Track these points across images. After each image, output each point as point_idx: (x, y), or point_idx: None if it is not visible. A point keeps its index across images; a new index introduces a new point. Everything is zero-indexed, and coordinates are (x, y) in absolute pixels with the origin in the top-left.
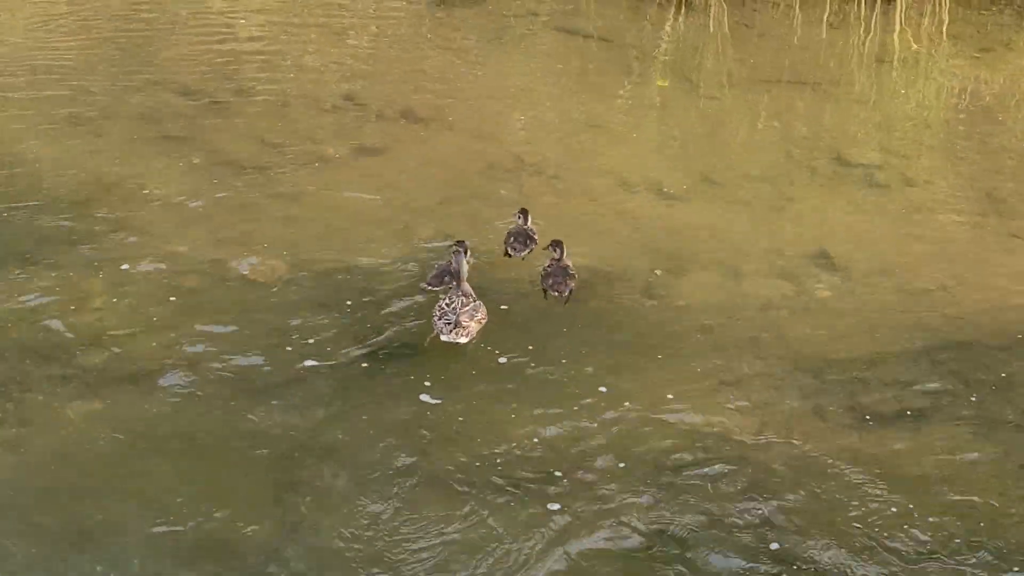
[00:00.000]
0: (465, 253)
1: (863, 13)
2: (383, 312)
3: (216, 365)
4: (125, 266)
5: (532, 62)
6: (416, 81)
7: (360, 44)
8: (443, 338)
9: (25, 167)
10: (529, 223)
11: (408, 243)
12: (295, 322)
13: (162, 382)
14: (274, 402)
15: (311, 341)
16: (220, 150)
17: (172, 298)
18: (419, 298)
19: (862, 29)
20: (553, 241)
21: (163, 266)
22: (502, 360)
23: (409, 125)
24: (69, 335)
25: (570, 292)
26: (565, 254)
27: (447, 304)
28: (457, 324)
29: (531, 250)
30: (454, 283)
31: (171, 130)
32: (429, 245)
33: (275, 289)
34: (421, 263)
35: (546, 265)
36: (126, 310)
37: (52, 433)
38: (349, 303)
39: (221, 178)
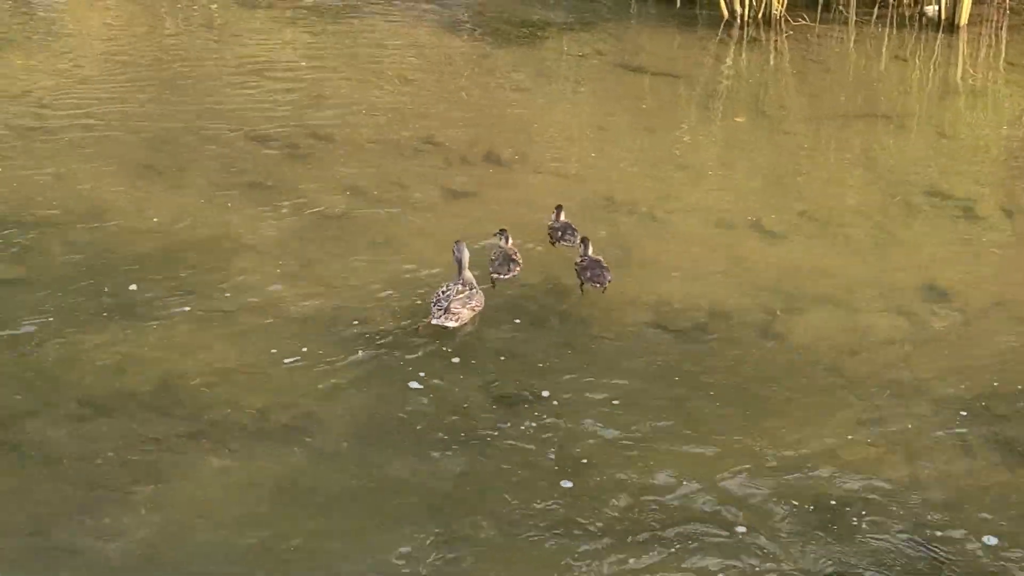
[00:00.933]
0: (506, 241)
1: (926, 44)
2: (502, 359)
3: (342, 414)
4: (233, 317)
5: (603, 101)
6: (490, 122)
7: (427, 86)
8: (433, 322)
9: (111, 219)
10: (509, 243)
11: (516, 287)
12: (411, 368)
13: (292, 434)
14: (410, 449)
15: (435, 383)
16: (307, 197)
17: (284, 347)
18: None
19: (929, 60)
20: (583, 238)
21: (270, 316)
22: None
23: (493, 167)
24: (191, 389)
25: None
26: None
27: (442, 292)
28: (447, 310)
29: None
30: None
31: (254, 178)
32: (537, 295)
33: (389, 339)
34: (525, 311)
35: (579, 260)
36: (239, 362)
37: (191, 490)
38: (467, 353)
39: (313, 225)
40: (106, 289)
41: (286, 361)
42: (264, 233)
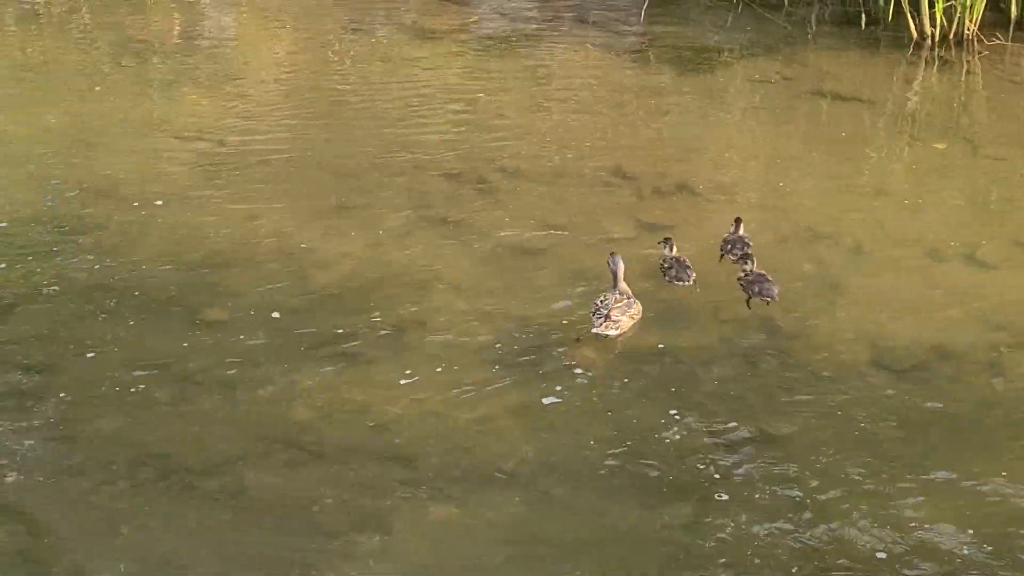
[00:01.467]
0: (671, 249)
1: None
2: (718, 398)
3: (556, 455)
4: (436, 356)
5: (792, 128)
6: (677, 152)
7: (607, 116)
8: (594, 331)
9: (306, 258)
10: (675, 250)
11: (725, 325)
12: (621, 407)
13: (509, 479)
14: (633, 494)
15: (648, 424)
16: (501, 231)
17: (488, 386)
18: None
19: None
20: (744, 254)
21: (473, 355)
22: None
23: (687, 198)
24: (402, 432)
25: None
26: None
27: (600, 301)
28: (608, 317)
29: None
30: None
31: (446, 214)
32: (748, 332)
33: (595, 376)
34: (739, 351)
35: (743, 275)
36: (446, 402)
37: (416, 541)
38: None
39: (509, 261)
40: (308, 329)
41: (492, 400)
42: (462, 268)
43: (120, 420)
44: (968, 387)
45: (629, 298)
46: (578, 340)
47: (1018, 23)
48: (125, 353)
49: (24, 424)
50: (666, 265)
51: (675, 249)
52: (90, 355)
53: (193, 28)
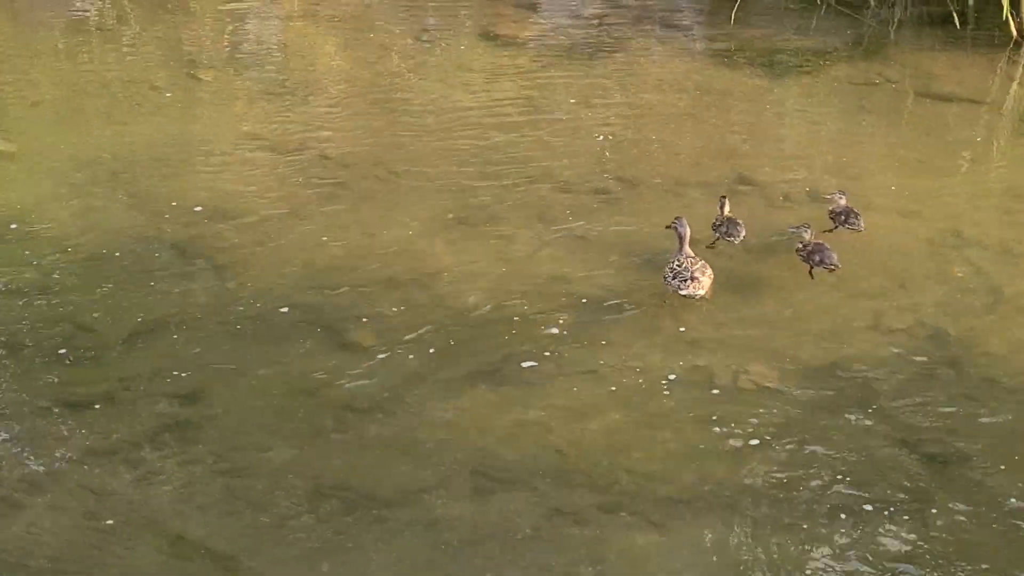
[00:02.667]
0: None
1: None
2: (907, 409)
3: (752, 479)
4: (608, 376)
5: (909, 131)
6: (796, 157)
7: (715, 122)
8: (682, 293)
9: (442, 277)
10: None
11: (892, 335)
12: (815, 426)
13: (705, 502)
14: (840, 516)
15: (841, 437)
16: (633, 244)
17: (676, 411)
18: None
19: None
20: (802, 225)
21: (643, 378)
22: None
23: (822, 206)
24: (585, 455)
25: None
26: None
27: (677, 265)
28: (692, 278)
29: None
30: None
31: (573, 228)
32: (906, 342)
33: (778, 405)
34: (913, 362)
35: (800, 247)
36: (628, 422)
37: (631, 572)
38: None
39: (648, 277)
40: (458, 350)
41: (671, 419)
42: (605, 282)
43: (289, 450)
44: None
45: (704, 262)
46: (664, 303)
47: None
48: (276, 378)
49: (190, 457)
50: (717, 223)
51: (811, 234)
52: (239, 380)
53: (247, 37)
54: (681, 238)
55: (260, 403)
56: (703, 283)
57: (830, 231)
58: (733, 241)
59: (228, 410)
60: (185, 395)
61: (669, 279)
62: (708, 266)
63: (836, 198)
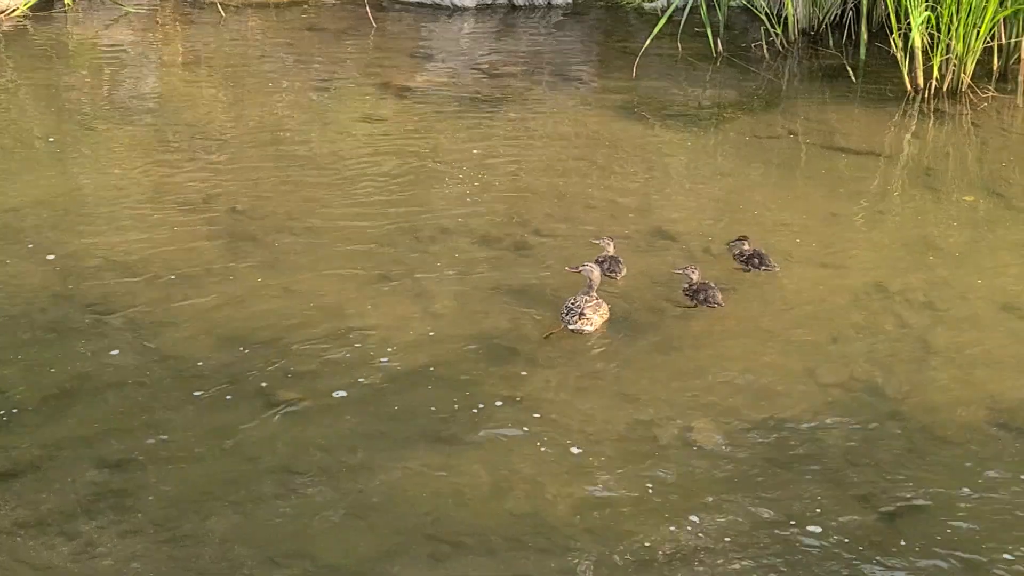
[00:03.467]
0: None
1: None
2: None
3: (726, 544)
4: (538, 435)
5: (818, 183)
6: (712, 211)
7: (625, 176)
8: (570, 328)
9: (371, 335)
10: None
11: (829, 389)
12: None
13: (675, 565)
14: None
15: (815, 505)
16: (559, 298)
17: (606, 459)
18: None
19: None
20: (685, 267)
21: (589, 432)
22: None
23: (739, 260)
24: (548, 520)
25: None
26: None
27: (572, 303)
28: (581, 314)
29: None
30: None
31: (496, 281)
32: (843, 396)
33: (725, 463)
34: (853, 417)
35: (688, 286)
36: (587, 485)
37: None
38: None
39: (596, 335)
40: (394, 409)
41: (625, 474)
42: (533, 337)
43: (232, 517)
44: None
45: (599, 300)
46: (547, 337)
47: (1001, 75)
48: (208, 442)
49: (129, 527)
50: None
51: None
52: (171, 444)
53: (133, 86)
54: (591, 282)
55: (195, 469)
56: (592, 320)
57: (746, 271)
58: (614, 278)
59: (163, 477)
60: (116, 462)
61: (563, 315)
62: (604, 306)
63: (740, 244)
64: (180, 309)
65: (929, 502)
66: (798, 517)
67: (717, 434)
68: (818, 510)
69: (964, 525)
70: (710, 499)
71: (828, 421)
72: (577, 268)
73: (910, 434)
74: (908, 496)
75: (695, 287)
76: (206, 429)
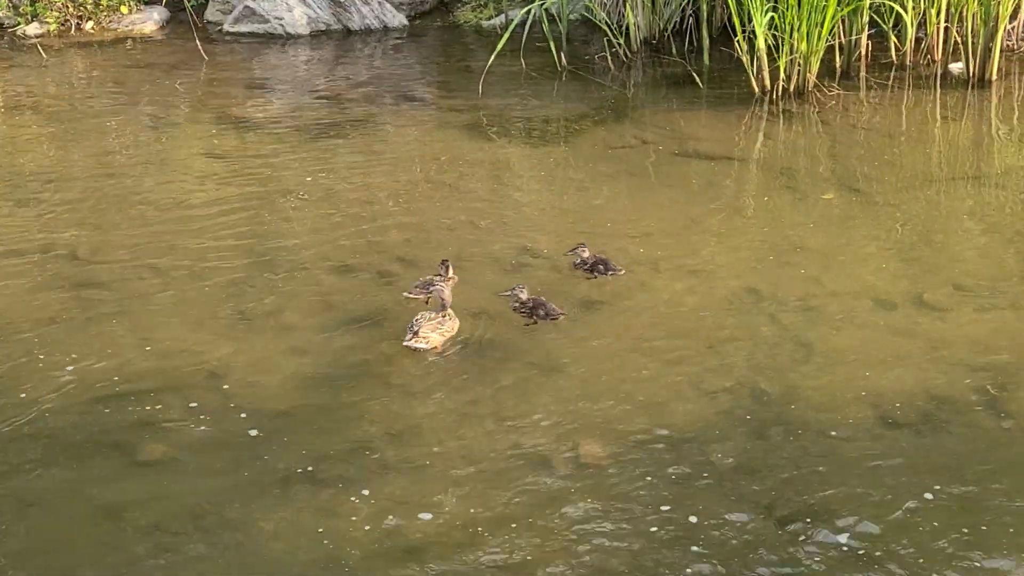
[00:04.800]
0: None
1: (965, 101)
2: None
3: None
4: (444, 467)
5: (675, 190)
6: (573, 225)
7: (483, 195)
8: (404, 344)
9: (229, 380)
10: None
11: (713, 398)
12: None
13: None
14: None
15: (693, 508)
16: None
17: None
18: None
19: (979, 116)
20: (514, 287)
21: (481, 460)
22: None
23: (609, 272)
24: (448, 557)
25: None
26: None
27: (416, 319)
28: (415, 332)
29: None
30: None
31: (362, 313)
32: (730, 403)
33: (620, 481)
34: (742, 423)
35: (520, 304)
36: (481, 518)
37: None
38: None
39: (467, 363)
40: (265, 459)
41: (522, 511)
42: (411, 372)
43: None
44: (990, 436)
45: (445, 316)
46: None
47: (844, 73)
48: (73, 505)
49: None
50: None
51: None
52: (34, 511)
53: None
54: (443, 302)
55: (60, 535)
56: (430, 339)
57: (588, 279)
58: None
59: (30, 544)
60: None
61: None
62: (448, 323)
63: (580, 252)
64: (29, 366)
65: (827, 504)
66: (700, 533)
67: (605, 452)
68: (718, 523)
69: (866, 526)
70: (607, 513)
71: (717, 431)
72: (414, 293)
73: (800, 436)
74: (804, 500)
75: (529, 304)
76: (68, 491)
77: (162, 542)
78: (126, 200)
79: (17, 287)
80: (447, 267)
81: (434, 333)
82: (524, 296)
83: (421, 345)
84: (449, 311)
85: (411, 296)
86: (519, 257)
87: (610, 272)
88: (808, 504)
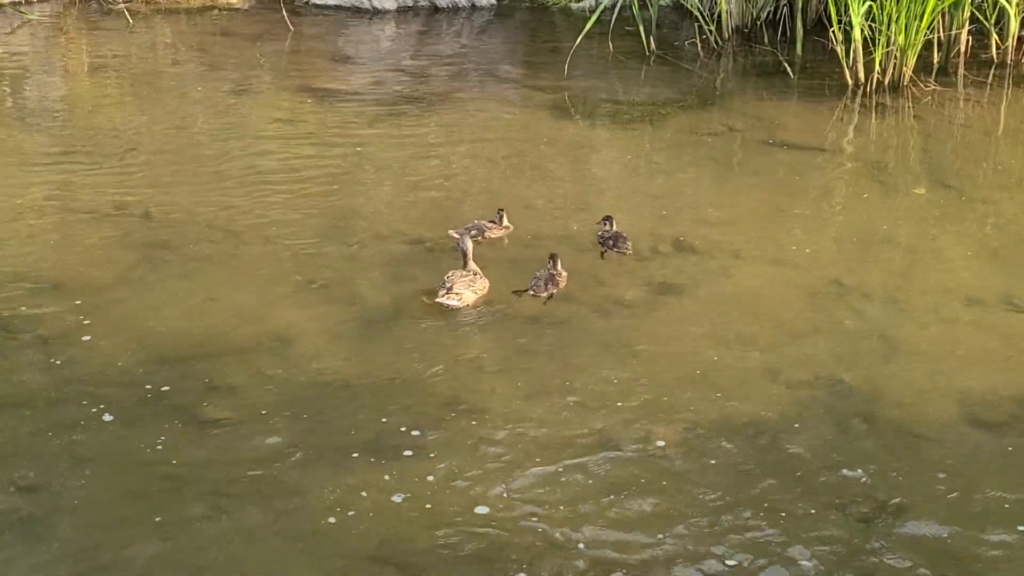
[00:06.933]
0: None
1: None
2: (840, 467)
3: None
4: (509, 446)
5: (762, 179)
6: (657, 209)
7: (570, 176)
8: (437, 300)
9: (293, 347)
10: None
11: (799, 387)
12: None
13: None
14: None
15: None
16: (499, 302)
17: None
18: None
19: None
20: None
21: (546, 442)
22: None
23: (691, 257)
24: (501, 537)
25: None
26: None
27: (447, 277)
28: (449, 289)
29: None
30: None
31: (432, 287)
32: (809, 395)
33: (694, 471)
34: (822, 416)
35: (601, 234)
36: (547, 500)
37: None
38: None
39: (532, 340)
40: (326, 425)
41: (590, 494)
42: (481, 346)
43: (156, 544)
44: None
45: (476, 274)
46: (425, 303)
47: (942, 68)
48: (129, 463)
49: (42, 558)
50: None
51: (614, 225)
52: (89, 468)
53: (34, 94)
54: (464, 254)
55: (114, 493)
56: (464, 296)
57: (601, 256)
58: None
59: (80, 502)
60: (27, 486)
61: (438, 286)
62: (482, 281)
63: (603, 224)
64: (92, 324)
65: (907, 502)
66: (776, 528)
67: (676, 438)
68: (793, 519)
69: (944, 527)
70: (680, 505)
71: (795, 423)
72: (459, 232)
73: (881, 432)
74: (883, 498)
75: (607, 235)
76: (125, 450)
77: (218, 505)
78: (202, 164)
79: (90, 245)
80: (501, 216)
81: (467, 290)
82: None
83: (454, 302)
84: (477, 269)
85: (455, 234)
86: (596, 238)
87: (616, 249)
88: (886, 502)
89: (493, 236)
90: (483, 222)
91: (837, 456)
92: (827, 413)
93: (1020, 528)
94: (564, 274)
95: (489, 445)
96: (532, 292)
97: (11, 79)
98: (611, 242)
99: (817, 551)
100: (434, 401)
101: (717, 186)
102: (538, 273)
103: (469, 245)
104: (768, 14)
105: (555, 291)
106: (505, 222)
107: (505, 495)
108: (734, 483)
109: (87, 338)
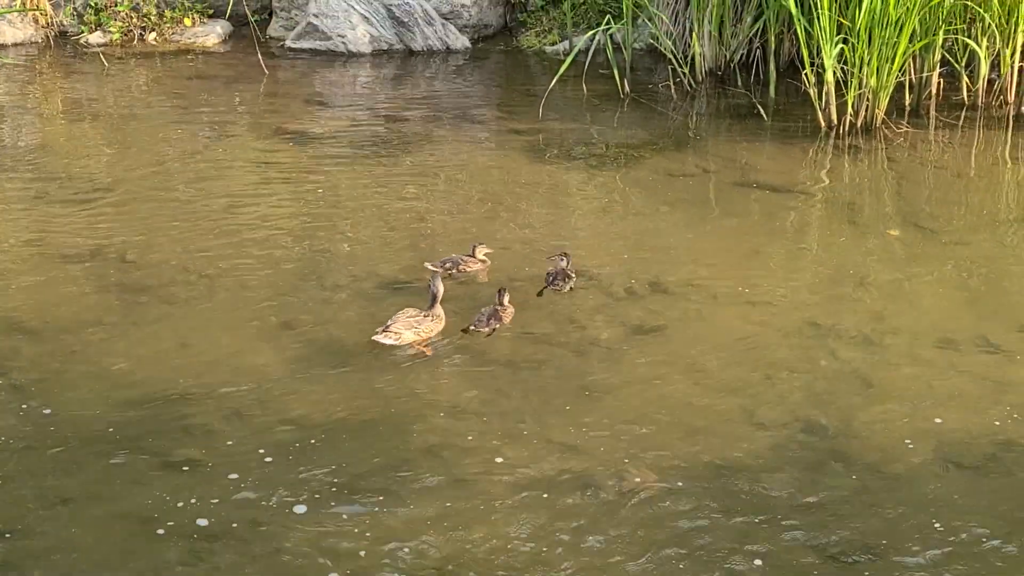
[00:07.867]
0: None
1: None
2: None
3: None
4: (489, 487)
5: (736, 220)
6: (631, 249)
7: (543, 217)
8: (373, 338)
9: (272, 391)
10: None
11: (775, 428)
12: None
13: None
14: None
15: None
16: (479, 346)
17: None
18: None
19: None
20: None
21: (527, 482)
22: None
23: (666, 298)
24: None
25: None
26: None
27: (397, 314)
28: (386, 328)
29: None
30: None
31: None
32: (785, 436)
33: (669, 513)
34: (796, 458)
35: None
36: (526, 539)
37: None
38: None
39: (510, 382)
40: (305, 469)
41: (567, 534)
42: (457, 390)
43: None
44: None
45: (427, 316)
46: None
47: (914, 110)
48: (104, 507)
49: None
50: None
51: (569, 263)
52: (64, 512)
53: (12, 137)
54: (434, 296)
55: (91, 537)
56: (402, 335)
57: (539, 294)
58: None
59: (55, 547)
60: (1, 532)
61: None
62: (426, 324)
63: (557, 260)
64: (68, 368)
65: (885, 544)
66: (742, 561)
67: (652, 479)
68: (773, 561)
69: (922, 568)
70: (652, 549)
71: (772, 464)
72: (434, 265)
73: (858, 473)
74: (857, 539)
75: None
76: (100, 494)
77: (195, 550)
78: (178, 208)
79: (65, 289)
80: (475, 250)
81: (408, 331)
82: (563, 265)
83: (389, 340)
84: (439, 312)
85: (432, 268)
86: (577, 279)
87: (552, 287)
88: (862, 543)
89: (468, 270)
90: (459, 256)
91: (813, 498)
92: (803, 454)
93: (999, 567)
94: (510, 309)
95: (465, 488)
96: (474, 327)
97: None
98: (550, 278)
99: None
100: (408, 444)
101: (692, 228)
102: (484, 309)
103: (440, 288)
104: (741, 57)
105: (498, 326)
106: (481, 255)
107: (479, 537)
108: (710, 525)
109: (62, 381)
